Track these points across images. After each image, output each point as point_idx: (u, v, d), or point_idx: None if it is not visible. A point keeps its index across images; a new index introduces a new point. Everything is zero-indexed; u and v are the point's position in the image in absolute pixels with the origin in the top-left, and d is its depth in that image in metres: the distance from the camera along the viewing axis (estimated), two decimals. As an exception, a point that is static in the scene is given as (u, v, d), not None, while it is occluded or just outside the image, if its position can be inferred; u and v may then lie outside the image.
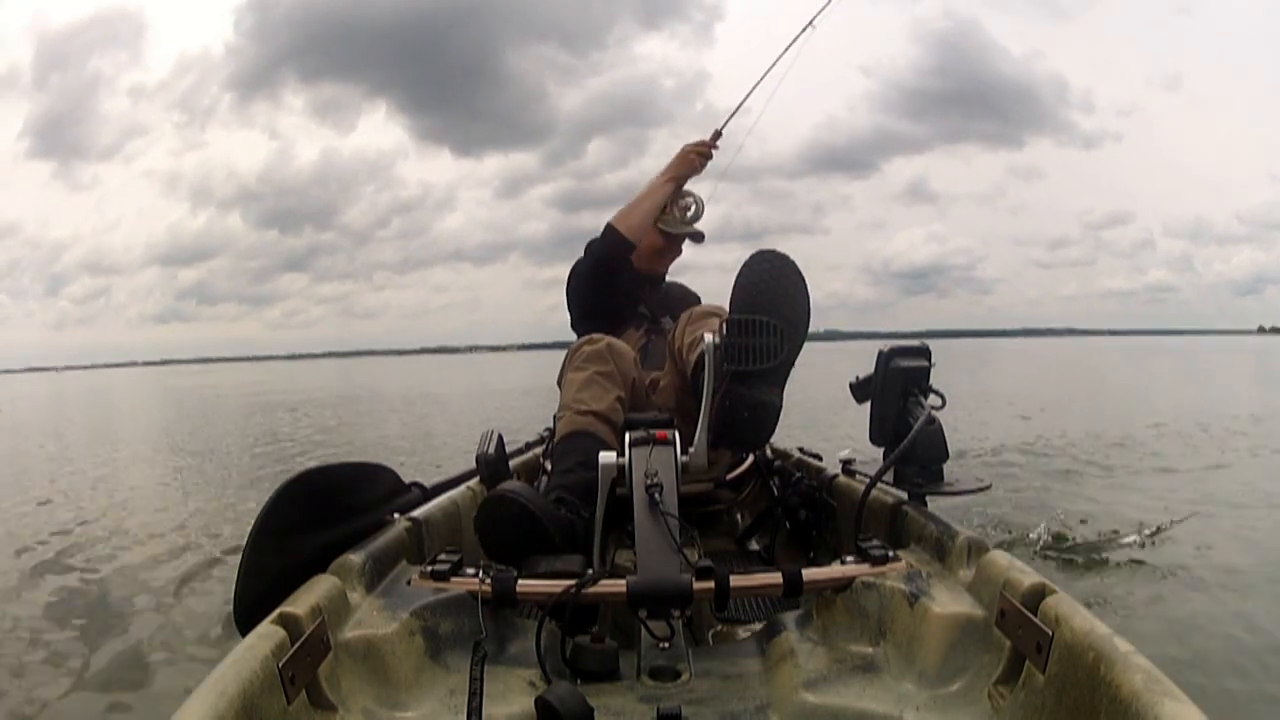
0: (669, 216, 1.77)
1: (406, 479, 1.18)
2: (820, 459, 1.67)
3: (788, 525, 1.47)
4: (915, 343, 1.19)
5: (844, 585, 0.88)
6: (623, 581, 0.85)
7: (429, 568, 0.90)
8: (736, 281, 1.16)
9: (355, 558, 0.86)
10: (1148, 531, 2.47)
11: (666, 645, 0.86)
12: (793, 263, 1.16)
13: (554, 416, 1.52)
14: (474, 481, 1.37)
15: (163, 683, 1.68)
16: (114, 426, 10.31)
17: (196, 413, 11.86)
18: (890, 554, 0.91)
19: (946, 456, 1.12)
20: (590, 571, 0.89)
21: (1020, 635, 0.69)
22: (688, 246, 1.87)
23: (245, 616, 0.75)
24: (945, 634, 0.76)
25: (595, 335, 1.44)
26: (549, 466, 1.63)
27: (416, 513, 1.10)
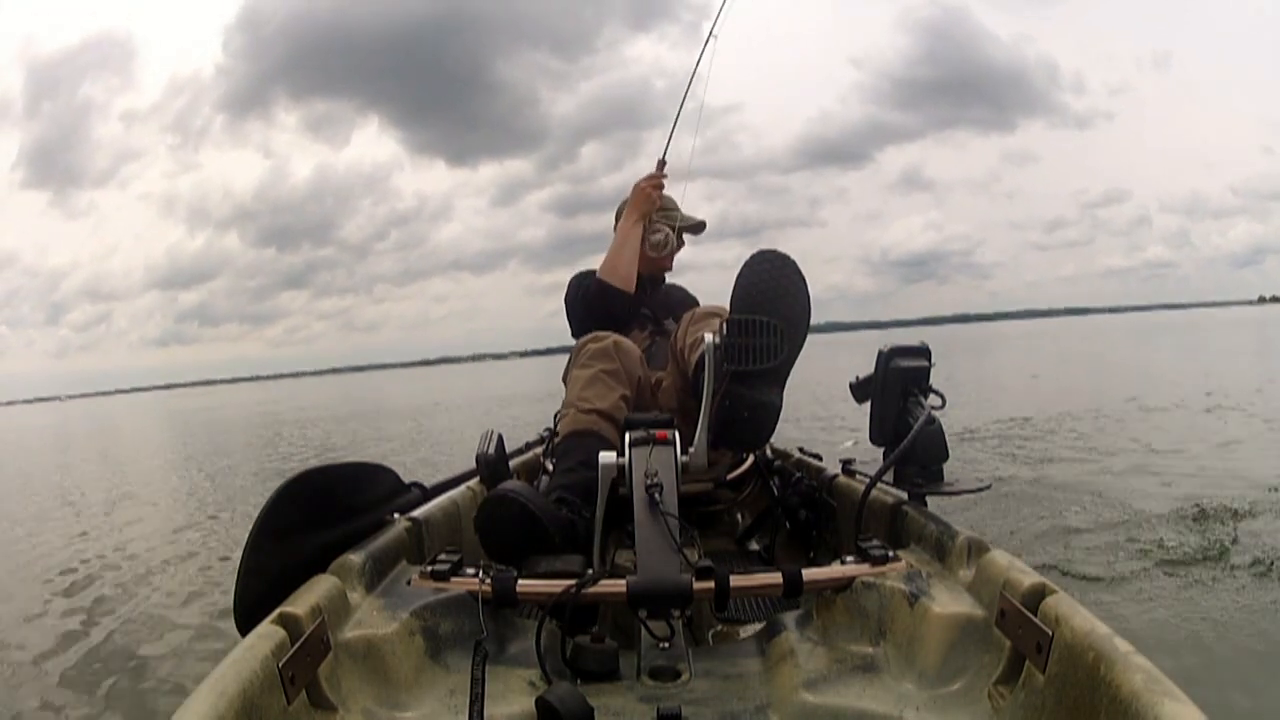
0: (645, 250, 1.77)
1: (406, 479, 1.18)
2: (820, 459, 1.67)
3: (788, 525, 1.47)
4: (915, 342, 1.19)
5: (844, 585, 0.88)
6: (623, 581, 0.85)
7: (429, 568, 0.90)
8: (737, 282, 1.16)
9: (355, 558, 0.86)
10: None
11: (666, 645, 0.86)
12: (793, 263, 1.16)
13: (555, 415, 1.52)
14: (474, 481, 1.38)
15: (163, 683, 1.68)
16: (131, 453, 10.14)
17: (204, 435, 11.77)
18: (890, 554, 0.91)
19: (946, 456, 1.12)
20: (590, 571, 0.89)
21: (1020, 635, 0.69)
22: (689, 239, 1.87)
23: (245, 616, 0.75)
24: (945, 634, 0.76)
25: (601, 333, 1.44)
26: (549, 466, 1.63)
27: (416, 513, 1.10)
